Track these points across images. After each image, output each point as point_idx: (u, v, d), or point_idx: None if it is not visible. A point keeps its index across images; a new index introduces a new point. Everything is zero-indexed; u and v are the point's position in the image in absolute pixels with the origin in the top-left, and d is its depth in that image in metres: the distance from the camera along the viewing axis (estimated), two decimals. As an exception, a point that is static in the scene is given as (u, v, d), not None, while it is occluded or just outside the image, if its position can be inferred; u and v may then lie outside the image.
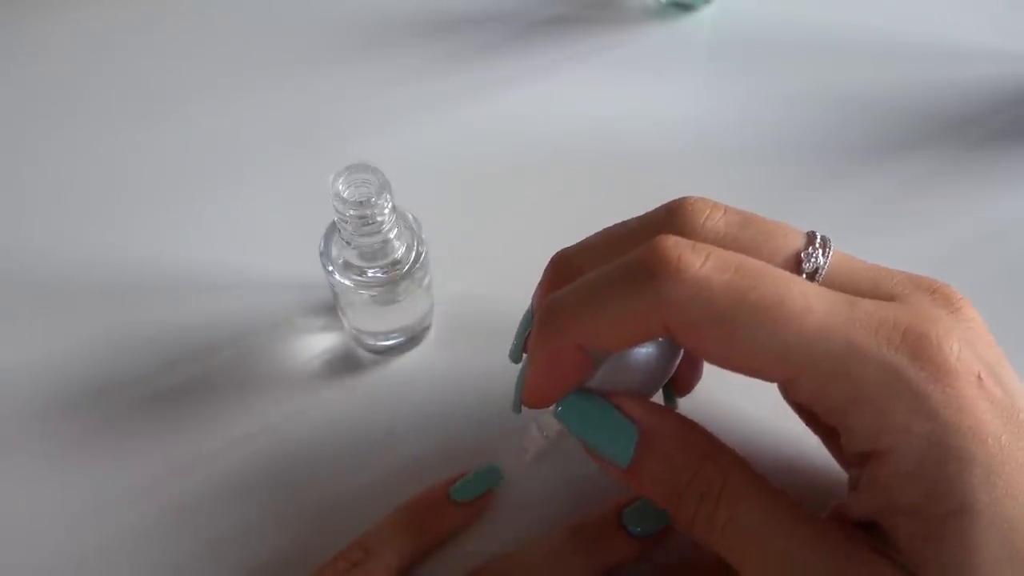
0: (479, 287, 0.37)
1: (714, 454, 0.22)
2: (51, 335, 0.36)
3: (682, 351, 0.26)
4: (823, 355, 0.20)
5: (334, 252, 0.31)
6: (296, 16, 0.49)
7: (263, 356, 0.35)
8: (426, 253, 0.32)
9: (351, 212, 0.28)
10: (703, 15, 0.49)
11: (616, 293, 0.21)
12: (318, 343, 0.36)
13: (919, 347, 0.20)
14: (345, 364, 0.35)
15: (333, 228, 0.31)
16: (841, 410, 0.20)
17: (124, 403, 0.34)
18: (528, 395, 0.25)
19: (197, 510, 0.31)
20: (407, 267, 0.31)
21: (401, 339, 0.35)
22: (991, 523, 0.19)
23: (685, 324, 0.21)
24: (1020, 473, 0.19)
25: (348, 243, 0.30)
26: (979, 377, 0.20)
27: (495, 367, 0.33)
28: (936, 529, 0.19)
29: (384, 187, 0.28)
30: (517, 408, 0.26)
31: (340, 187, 0.28)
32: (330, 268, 0.31)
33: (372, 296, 0.32)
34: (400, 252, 0.31)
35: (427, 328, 0.36)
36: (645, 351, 0.24)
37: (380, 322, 0.34)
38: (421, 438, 0.33)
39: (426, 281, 0.33)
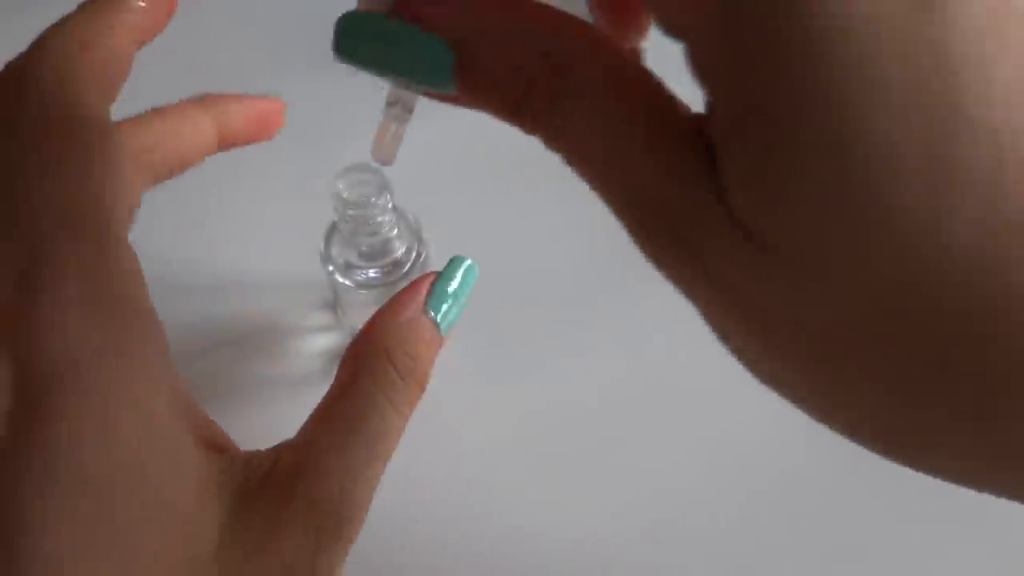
0: (479, 287, 0.37)
1: (554, 50, 0.16)
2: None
3: None
4: None
5: (334, 252, 0.31)
6: (296, 15, 0.49)
7: (263, 356, 0.35)
8: (426, 253, 0.32)
9: (351, 212, 0.28)
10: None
11: None
12: (318, 343, 0.36)
13: None
14: (345, 364, 0.35)
15: (333, 228, 0.31)
16: None
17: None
18: None
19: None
20: (407, 267, 0.31)
21: (401, 339, 0.35)
22: None
23: None
24: None
25: (348, 243, 0.30)
26: None
27: (495, 367, 0.33)
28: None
29: (384, 187, 0.28)
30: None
31: (340, 187, 0.28)
32: (330, 268, 0.31)
33: (372, 296, 0.32)
34: (400, 252, 0.31)
35: (427, 328, 0.36)
36: None
37: (380, 322, 0.34)
38: (416, 438, 0.33)
39: (426, 281, 0.33)
